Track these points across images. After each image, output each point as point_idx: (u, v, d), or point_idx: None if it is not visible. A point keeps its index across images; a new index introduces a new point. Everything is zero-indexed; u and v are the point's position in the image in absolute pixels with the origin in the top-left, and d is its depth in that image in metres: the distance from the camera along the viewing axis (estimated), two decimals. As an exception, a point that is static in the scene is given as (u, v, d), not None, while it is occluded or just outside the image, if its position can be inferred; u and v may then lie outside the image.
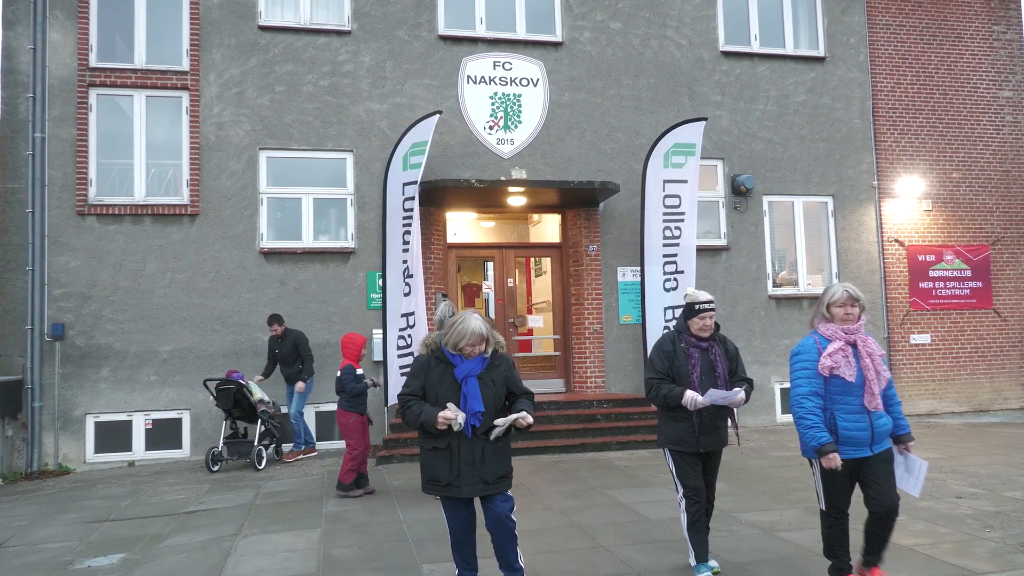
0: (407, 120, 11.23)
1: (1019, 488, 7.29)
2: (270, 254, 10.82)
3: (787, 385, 12.27)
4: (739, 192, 12.26)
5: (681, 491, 4.95)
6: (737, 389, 4.96)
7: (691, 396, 4.81)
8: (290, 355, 9.99)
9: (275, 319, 10.00)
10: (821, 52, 12.95)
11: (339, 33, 11.25)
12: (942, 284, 13.08)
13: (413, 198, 9.64)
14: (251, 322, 10.59)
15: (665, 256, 10.70)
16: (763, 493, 7.36)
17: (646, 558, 5.37)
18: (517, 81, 11.73)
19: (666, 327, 10.21)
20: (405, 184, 9.77)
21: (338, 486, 7.69)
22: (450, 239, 12.14)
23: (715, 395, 4.85)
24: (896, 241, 12.98)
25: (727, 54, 12.53)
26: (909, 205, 13.04)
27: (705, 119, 11.18)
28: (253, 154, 10.90)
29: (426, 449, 4.38)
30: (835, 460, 4.12)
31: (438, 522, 6.32)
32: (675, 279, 10.62)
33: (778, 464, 8.90)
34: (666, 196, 10.75)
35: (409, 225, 9.61)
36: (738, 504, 6.91)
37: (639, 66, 12.18)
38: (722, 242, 12.30)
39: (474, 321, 4.36)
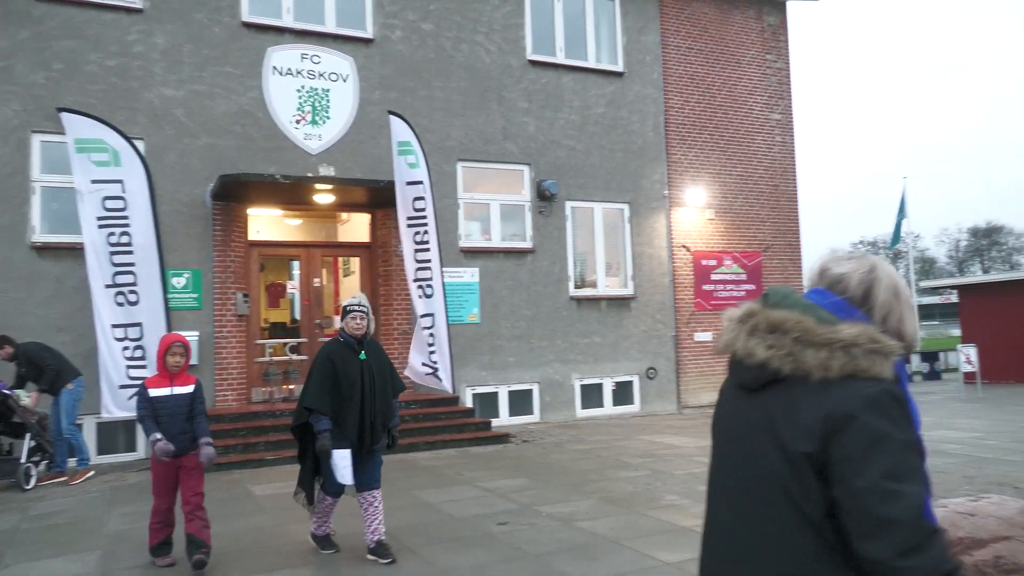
0: (206, 109, 10.62)
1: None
2: (44, 249, 9.81)
3: (587, 381, 12.94)
4: (544, 197, 12.74)
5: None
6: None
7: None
8: (33, 373, 8.68)
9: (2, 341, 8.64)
10: (620, 67, 13.76)
11: (129, 11, 10.42)
12: (722, 286, 14.36)
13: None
14: (21, 324, 9.50)
15: (419, 262, 10.55)
16: (562, 485, 7.70)
17: (450, 558, 5.44)
18: (326, 75, 11.46)
19: (429, 335, 10.30)
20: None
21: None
22: (253, 236, 11.62)
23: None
24: (683, 247, 14.08)
25: (534, 63, 12.99)
26: (695, 214, 14.18)
27: (399, 115, 10.76)
28: (23, 137, 9.83)
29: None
30: None
31: (231, 534, 6.03)
32: (430, 286, 10.49)
33: (577, 458, 9.35)
34: (415, 199, 10.47)
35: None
36: (539, 497, 7.18)
37: (450, 69, 12.32)
38: (528, 245, 12.73)
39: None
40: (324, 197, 11.27)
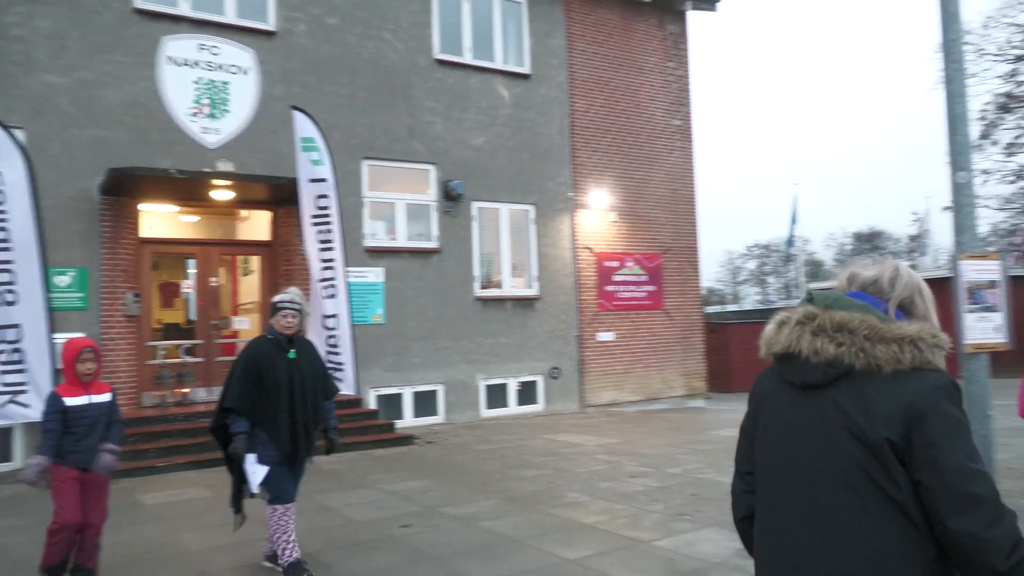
0: (95, 99, 10.10)
1: (680, 465, 8.42)
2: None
3: (492, 381, 13.00)
4: (450, 197, 12.71)
5: None
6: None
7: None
8: None
9: None
10: (527, 70, 13.88)
11: (8, -9, 9.78)
12: (624, 287, 14.69)
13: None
14: None
15: (323, 261, 10.31)
16: (466, 486, 7.71)
17: (350, 563, 5.36)
18: (226, 67, 11.08)
19: (330, 336, 10.12)
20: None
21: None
22: (145, 233, 11.10)
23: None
24: (587, 248, 14.32)
25: (441, 62, 12.94)
26: (598, 216, 14.45)
27: (303, 111, 10.42)
28: None
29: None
30: None
31: (119, 546, 5.76)
32: (334, 286, 10.32)
33: (481, 458, 9.38)
34: (318, 197, 10.22)
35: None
36: (443, 498, 7.16)
37: (356, 65, 12.13)
38: (434, 245, 12.67)
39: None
40: (223, 193, 10.89)
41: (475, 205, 13.13)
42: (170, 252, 12.17)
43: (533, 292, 13.66)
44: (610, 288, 14.50)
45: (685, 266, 15.61)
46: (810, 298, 1.80)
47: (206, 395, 11.06)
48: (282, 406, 4.82)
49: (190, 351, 11.08)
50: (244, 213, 12.77)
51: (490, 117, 13.38)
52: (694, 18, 17.74)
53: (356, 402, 11.02)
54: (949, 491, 1.52)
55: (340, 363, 10.20)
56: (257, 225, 12.47)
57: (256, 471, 4.79)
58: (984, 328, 4.47)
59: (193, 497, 7.59)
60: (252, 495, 4.93)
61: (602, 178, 14.58)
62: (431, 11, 12.91)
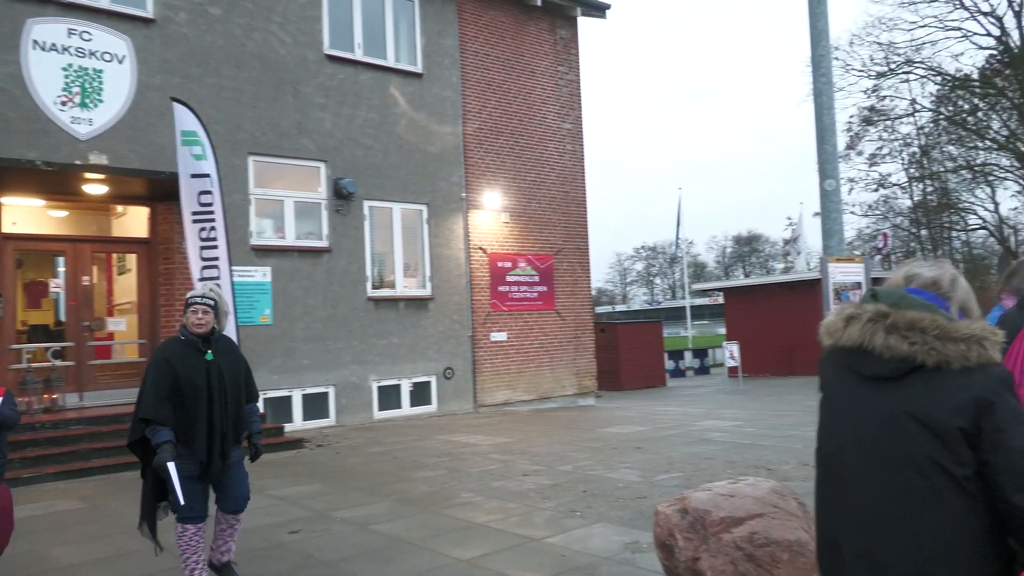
0: (-52, 83, 9.33)
1: (571, 463, 8.59)
2: None
3: (384, 383, 12.85)
4: (341, 195, 12.48)
5: None
6: None
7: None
8: None
9: None
10: (419, 69, 13.80)
11: None
12: (516, 288, 14.85)
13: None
14: None
15: (206, 260, 9.90)
16: (358, 489, 7.59)
17: (238, 570, 5.17)
18: (99, 55, 10.46)
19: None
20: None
21: None
22: (8, 229, 10.36)
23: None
24: (480, 248, 14.38)
25: (332, 58, 12.68)
26: (491, 216, 14.54)
27: (184, 103, 9.97)
28: None
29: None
30: None
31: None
32: (218, 285, 9.90)
33: (373, 460, 9.26)
34: (201, 193, 9.80)
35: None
36: (334, 502, 7.03)
37: (241, 58, 11.72)
38: (324, 244, 12.41)
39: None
40: (95, 187, 10.30)
41: (367, 204, 12.94)
42: (36, 249, 11.40)
43: (426, 292, 13.59)
44: (503, 288, 14.62)
45: (576, 267, 15.92)
46: (874, 295, 2.00)
47: (78, 401, 10.44)
48: (200, 413, 4.40)
49: (59, 354, 10.41)
50: (120, 209, 12.11)
51: (382, 115, 13.22)
52: (584, 24, 18.24)
53: (242, 406, 10.64)
54: (1015, 470, 1.73)
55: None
56: (134, 221, 11.85)
57: (178, 483, 4.28)
58: (850, 326, 4.79)
59: (64, 509, 7.15)
60: (173, 510, 4.46)
61: (495, 179, 14.67)
62: (321, 5, 12.63)
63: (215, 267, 9.85)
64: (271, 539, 5.87)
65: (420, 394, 13.35)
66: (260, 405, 11.43)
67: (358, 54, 13.06)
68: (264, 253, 11.73)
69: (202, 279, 9.82)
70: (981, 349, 1.82)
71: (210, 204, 9.84)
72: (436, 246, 13.78)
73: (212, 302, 4.57)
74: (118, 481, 8.25)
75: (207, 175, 9.86)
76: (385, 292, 13.13)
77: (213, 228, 9.86)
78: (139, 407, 4.40)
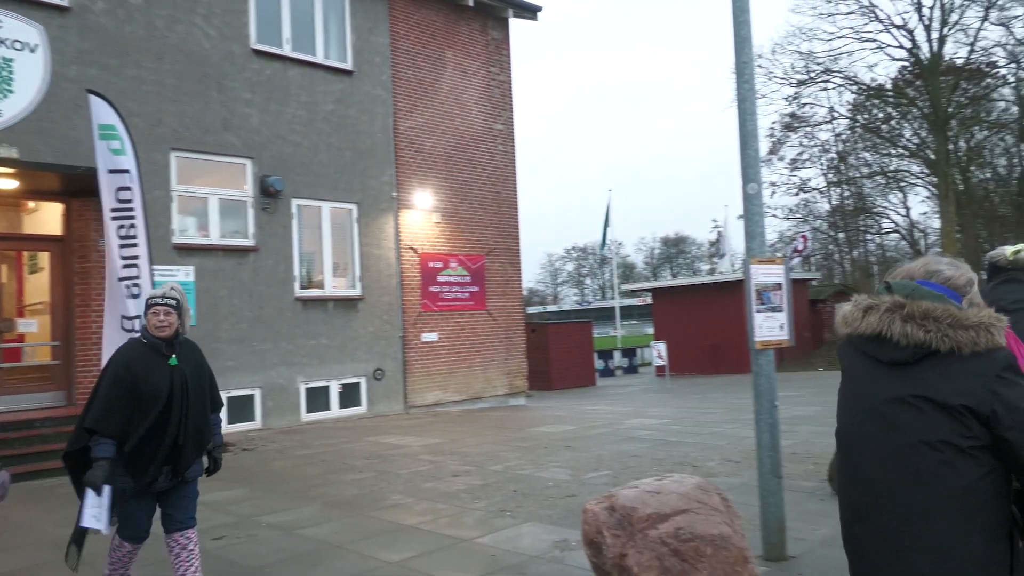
0: None
1: (501, 463, 8.61)
2: None
3: (313, 384, 12.63)
4: (268, 193, 12.21)
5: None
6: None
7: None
8: None
9: None
10: (349, 66, 13.61)
11: None
12: (448, 288, 14.80)
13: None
14: None
15: (125, 259, 9.41)
16: (285, 493, 7.45)
17: (157, 579, 5.02)
18: (8, 43, 9.94)
19: (131, 338, 9.39)
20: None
21: None
22: (-93, 224, 9.78)
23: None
24: (411, 248, 14.28)
25: (259, 53, 12.40)
26: (422, 216, 14.46)
27: (101, 95, 9.48)
28: None
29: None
30: None
31: None
32: (137, 285, 9.63)
33: (300, 463, 9.10)
34: (120, 189, 9.30)
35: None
36: (260, 507, 6.88)
37: (162, 50, 11.34)
38: (250, 243, 12.12)
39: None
40: (5, 182, 9.82)
41: (295, 202, 12.70)
42: (-61, 247, 10.80)
43: (356, 292, 13.42)
44: (434, 289, 14.55)
45: (507, 267, 15.97)
46: (888, 287, 2.21)
47: (-16, 407, 9.92)
48: (163, 424, 4.02)
49: (-36, 358, 9.88)
50: (32, 205, 11.56)
51: (311, 112, 12.99)
52: (516, 25, 18.27)
53: (163, 410, 10.31)
54: None
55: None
56: (47, 218, 11.33)
57: (100, 509, 3.85)
58: (771, 326, 4.93)
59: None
60: (128, 535, 4.13)
61: (426, 179, 14.59)
62: (248, -2, 12.34)
63: (135, 266, 9.50)
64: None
65: (350, 395, 13.17)
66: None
67: (286, 49, 12.81)
68: (187, 252, 11.39)
69: (123, 279, 9.48)
70: (989, 335, 2.00)
71: (130, 201, 9.48)
72: (366, 245, 13.62)
73: (174, 301, 4.19)
74: (28, 490, 7.88)
75: (126, 171, 9.50)
76: (314, 292, 12.91)
77: (133, 226, 9.50)
78: (86, 414, 4.02)
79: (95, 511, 3.84)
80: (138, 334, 4.40)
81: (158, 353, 4.14)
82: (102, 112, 9.47)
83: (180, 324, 4.21)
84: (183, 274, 11.25)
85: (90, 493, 3.80)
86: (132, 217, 9.49)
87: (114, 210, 9.45)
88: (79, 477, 4.04)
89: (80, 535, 4.04)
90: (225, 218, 11.98)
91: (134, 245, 9.51)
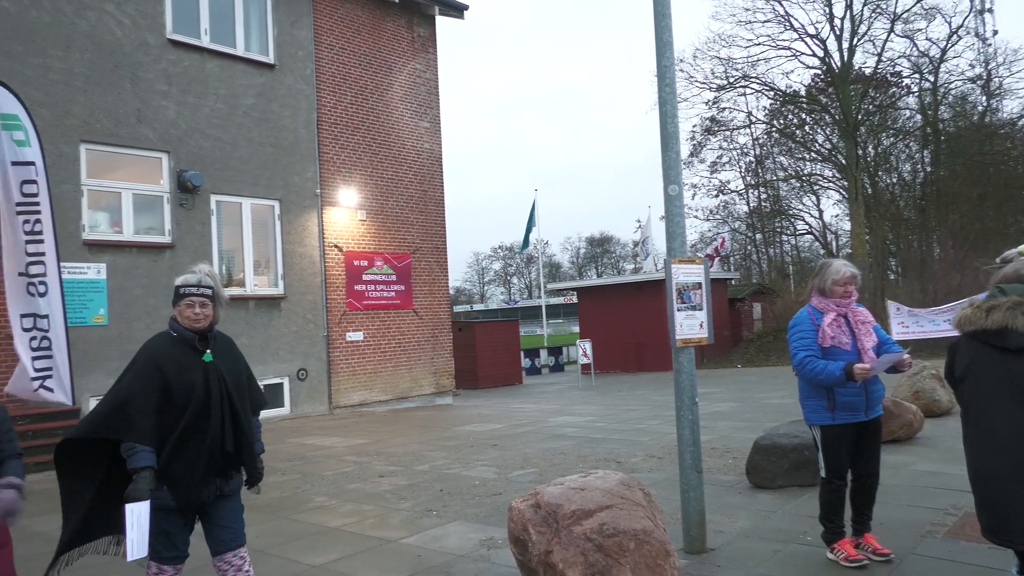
0: None
1: (427, 462, 8.57)
2: None
3: (233, 386, 12.28)
4: (186, 189, 11.83)
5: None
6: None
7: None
8: None
9: None
10: (271, 59, 13.30)
11: None
12: (373, 287, 14.63)
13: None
14: None
15: (31, 255, 8.98)
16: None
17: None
18: (-100, 25, 9.34)
19: (33, 337, 8.98)
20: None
21: None
22: None
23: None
24: (335, 246, 14.07)
25: (175, 43, 11.99)
26: (347, 214, 14.25)
27: (4, 84, 8.94)
28: None
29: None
30: (864, 369, 4.23)
31: None
32: (44, 283, 9.18)
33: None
34: (24, 183, 8.91)
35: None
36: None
37: (71, 37, 10.85)
38: (167, 239, 11.72)
39: None
40: None
41: (214, 198, 12.34)
42: None
43: (278, 291, 13.14)
44: (359, 287, 14.37)
45: (434, 266, 15.89)
46: (1002, 290, 3.02)
47: None
48: (202, 429, 3.46)
49: None
50: (-74, 198, 10.89)
51: (230, 106, 12.64)
52: (443, 24, 18.13)
53: (74, 413, 9.86)
54: None
55: (49, 369, 9.06)
56: (-56, 212, 10.69)
57: (142, 524, 3.23)
58: (691, 325, 5.05)
59: None
60: (167, 557, 3.53)
61: (351, 176, 14.40)
62: (164, -13, 11.92)
63: (41, 263, 9.06)
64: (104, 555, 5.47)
65: (272, 396, 12.88)
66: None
67: (204, 41, 12.42)
68: (98, 248, 10.93)
69: (27, 275, 9.02)
70: None
71: (35, 195, 9.03)
72: (289, 243, 13.34)
73: (210, 291, 3.66)
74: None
75: (31, 163, 9.04)
76: (234, 291, 12.56)
77: (39, 221, 9.05)
78: (109, 419, 3.38)
79: (138, 535, 3.21)
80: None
81: (190, 348, 3.61)
82: (5, 101, 8.99)
83: (215, 315, 3.71)
84: (94, 271, 10.80)
85: (133, 513, 3.19)
86: (38, 212, 9.05)
87: (19, 204, 9.00)
88: (71, 487, 3.52)
89: (70, 544, 3.52)
90: (140, 214, 11.55)
91: (40, 241, 9.08)
